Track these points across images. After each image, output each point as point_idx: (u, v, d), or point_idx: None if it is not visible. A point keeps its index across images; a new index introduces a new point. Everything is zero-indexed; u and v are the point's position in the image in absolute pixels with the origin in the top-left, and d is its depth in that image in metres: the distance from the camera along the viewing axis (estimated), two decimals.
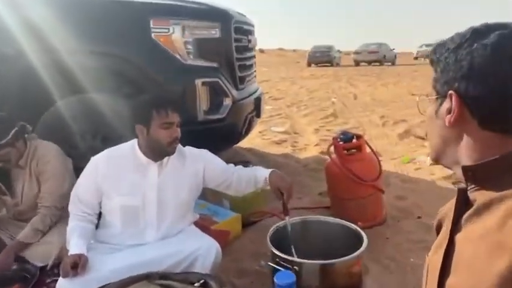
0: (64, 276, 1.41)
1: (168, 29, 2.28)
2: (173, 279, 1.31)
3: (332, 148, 2.35)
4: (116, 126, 2.25)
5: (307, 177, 3.23)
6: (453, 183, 2.60)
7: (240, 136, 2.79)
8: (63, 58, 2.21)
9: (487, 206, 0.65)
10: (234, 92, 2.57)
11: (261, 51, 49.32)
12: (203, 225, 1.97)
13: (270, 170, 1.72)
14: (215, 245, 1.61)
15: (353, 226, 1.52)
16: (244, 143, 4.23)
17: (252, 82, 3.17)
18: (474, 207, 0.68)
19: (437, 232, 0.81)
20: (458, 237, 0.69)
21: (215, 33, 2.46)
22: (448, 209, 0.78)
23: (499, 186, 0.65)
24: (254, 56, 3.30)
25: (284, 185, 1.65)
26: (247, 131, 2.88)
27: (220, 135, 2.50)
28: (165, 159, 1.67)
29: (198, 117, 2.37)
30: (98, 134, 2.40)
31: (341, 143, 2.33)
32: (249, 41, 2.98)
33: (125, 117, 1.97)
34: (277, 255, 1.37)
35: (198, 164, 1.74)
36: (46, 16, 2.20)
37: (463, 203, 0.71)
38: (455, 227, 0.70)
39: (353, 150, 2.33)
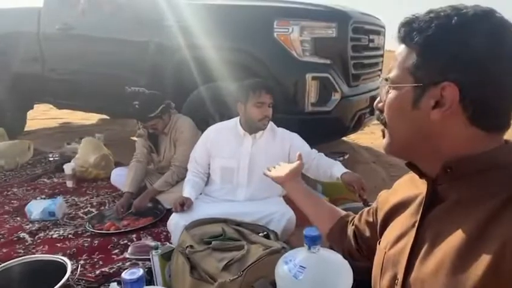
0: (174, 211, 1.91)
1: (288, 29, 2.60)
2: (244, 227, 1.64)
3: None
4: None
5: None
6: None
7: (347, 130, 2.91)
8: (206, 52, 2.75)
9: (463, 205, 0.62)
10: (345, 87, 2.73)
11: None
12: (291, 199, 2.24)
13: (344, 170, 1.91)
14: (290, 213, 1.88)
15: None
16: (365, 141, 4.28)
17: (372, 80, 3.23)
18: (447, 204, 0.65)
19: (385, 222, 0.80)
20: (427, 233, 0.65)
21: (332, 32, 2.66)
22: (398, 199, 0.78)
23: (475, 185, 0.62)
24: (379, 56, 3.35)
25: (354, 180, 1.83)
26: (357, 126, 2.96)
27: (326, 127, 2.70)
28: (259, 133, 2.03)
29: (306, 108, 2.62)
30: (224, 116, 2.91)
31: None
32: (371, 40, 3.07)
33: None
34: None
35: (286, 143, 2.05)
36: (196, 19, 2.79)
37: (431, 198, 0.67)
38: (422, 222, 0.67)
39: None
